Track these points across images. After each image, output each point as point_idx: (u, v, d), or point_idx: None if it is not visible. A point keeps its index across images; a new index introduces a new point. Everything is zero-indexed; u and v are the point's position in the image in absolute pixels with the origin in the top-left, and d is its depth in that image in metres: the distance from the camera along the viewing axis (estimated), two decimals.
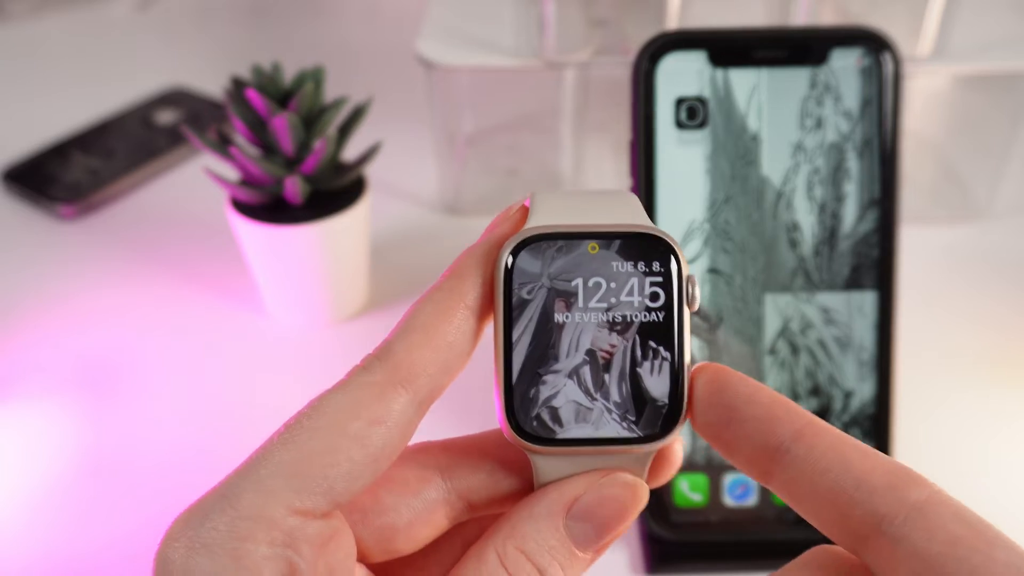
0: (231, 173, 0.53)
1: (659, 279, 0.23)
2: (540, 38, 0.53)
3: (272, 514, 0.21)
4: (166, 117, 0.69)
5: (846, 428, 0.38)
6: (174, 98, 0.72)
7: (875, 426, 0.38)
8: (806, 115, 0.38)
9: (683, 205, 0.38)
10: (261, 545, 0.20)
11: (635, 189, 0.38)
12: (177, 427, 0.46)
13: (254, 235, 0.48)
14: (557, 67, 0.54)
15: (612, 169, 0.63)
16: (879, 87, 0.37)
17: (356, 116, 0.49)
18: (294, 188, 0.46)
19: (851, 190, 0.38)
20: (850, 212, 0.38)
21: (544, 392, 0.23)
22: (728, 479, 0.38)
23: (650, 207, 0.37)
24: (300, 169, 0.47)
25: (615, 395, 0.23)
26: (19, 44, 0.82)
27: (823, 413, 0.38)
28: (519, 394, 0.23)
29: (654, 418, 0.23)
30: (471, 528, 0.26)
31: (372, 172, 0.54)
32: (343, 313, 0.52)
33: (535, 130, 0.67)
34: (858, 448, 0.21)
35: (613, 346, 0.23)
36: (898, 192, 0.38)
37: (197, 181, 0.62)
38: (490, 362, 0.24)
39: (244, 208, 0.48)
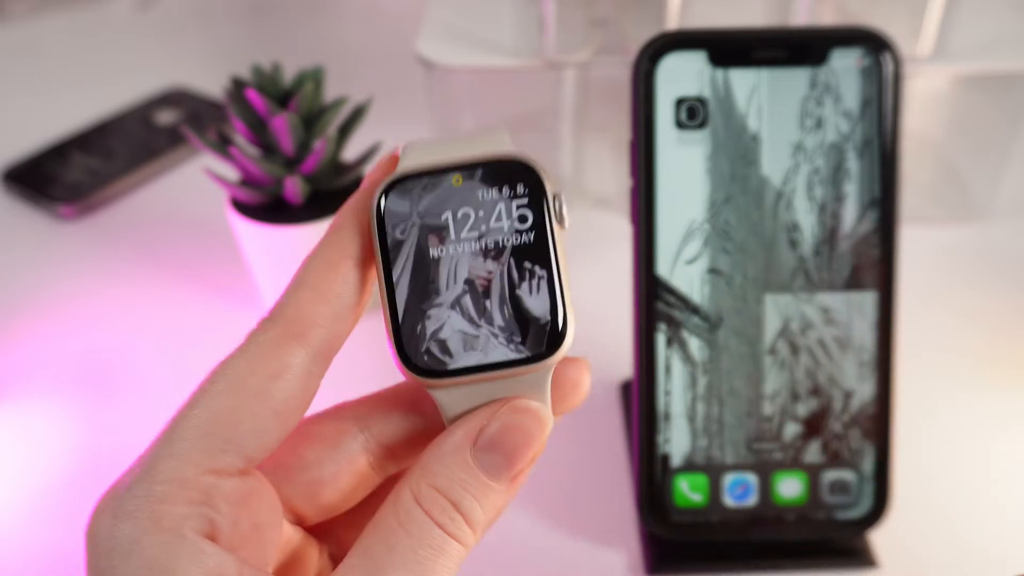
0: (231, 173, 0.53)
1: (524, 201, 0.23)
2: (540, 38, 0.53)
3: (186, 475, 0.21)
4: (166, 117, 0.69)
5: (846, 428, 0.38)
6: (174, 98, 0.72)
7: (875, 426, 0.38)
8: (806, 115, 0.38)
9: (683, 205, 0.38)
10: (179, 505, 0.21)
11: (635, 189, 0.38)
12: None
13: (254, 235, 0.48)
14: (557, 67, 0.54)
15: (612, 169, 0.63)
16: (879, 87, 0.37)
17: (356, 116, 0.49)
18: (294, 188, 0.46)
19: (851, 190, 0.38)
20: (850, 212, 0.38)
21: (430, 326, 0.23)
22: (728, 479, 0.38)
23: (650, 207, 0.37)
24: (300, 169, 0.47)
25: (498, 319, 0.23)
26: (19, 44, 0.82)
27: (823, 413, 0.38)
28: (407, 331, 0.23)
29: (539, 336, 0.23)
30: None
31: None
32: None
33: (535, 130, 0.67)
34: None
35: (490, 272, 0.23)
36: (898, 192, 0.38)
37: (197, 181, 0.62)
38: None
39: (244, 208, 0.48)
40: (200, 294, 0.54)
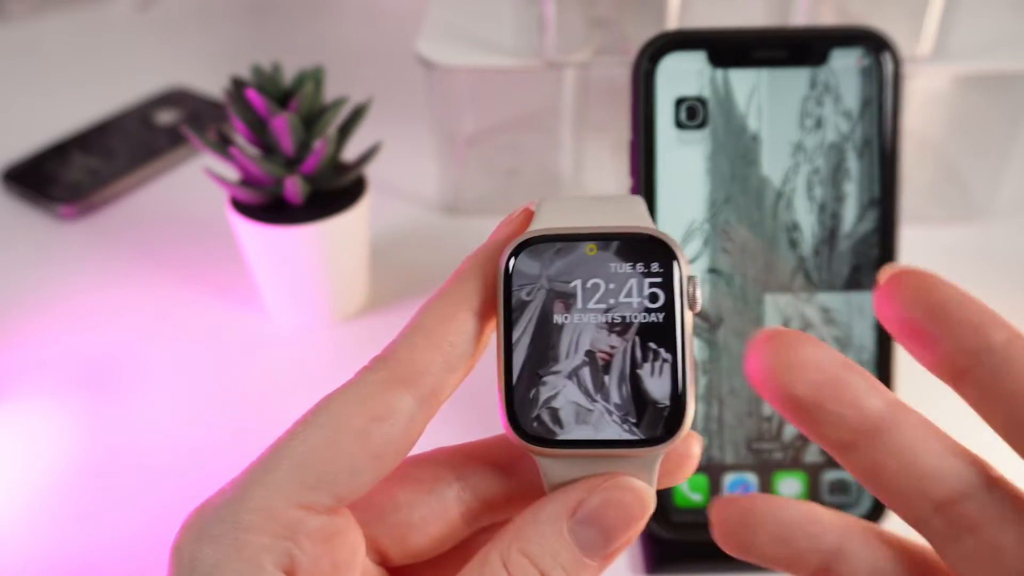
0: (231, 173, 0.53)
1: (658, 280, 0.23)
2: (540, 38, 0.53)
3: (275, 506, 0.21)
4: (166, 117, 0.69)
5: None
6: (174, 98, 0.72)
7: None
8: (806, 115, 0.38)
9: (683, 205, 0.38)
10: (263, 536, 0.21)
11: (635, 189, 0.38)
12: (177, 427, 0.46)
13: (254, 235, 0.48)
14: (557, 67, 0.54)
15: (612, 169, 0.63)
16: (879, 87, 0.37)
17: (356, 116, 0.49)
18: (294, 188, 0.46)
19: (851, 190, 0.38)
20: (850, 212, 0.38)
21: (544, 393, 0.23)
22: (728, 479, 0.38)
23: (650, 207, 0.37)
24: (300, 169, 0.47)
25: (615, 397, 0.23)
26: (19, 44, 0.82)
27: None
28: (520, 395, 0.23)
29: (655, 420, 0.23)
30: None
31: (372, 172, 0.54)
32: (343, 313, 0.52)
33: (535, 130, 0.67)
34: None
35: (613, 347, 0.23)
36: (898, 192, 0.38)
37: (197, 181, 0.62)
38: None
39: (244, 208, 0.48)
40: (200, 294, 0.54)
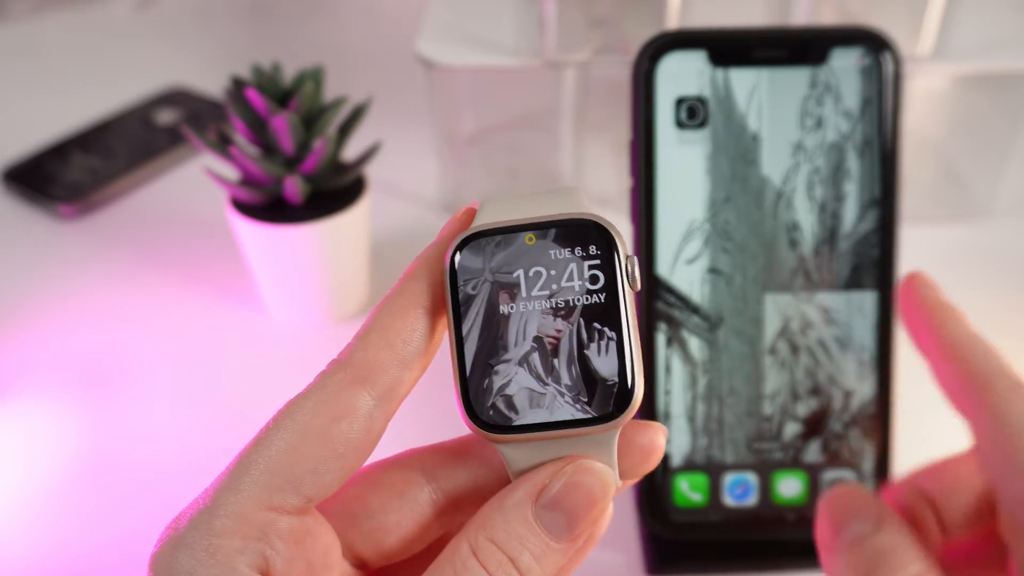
0: (231, 173, 0.53)
1: (597, 262, 0.24)
2: (540, 38, 0.53)
3: (245, 510, 0.22)
4: (166, 117, 0.69)
5: (846, 428, 0.38)
6: (174, 98, 0.72)
7: (875, 426, 0.38)
8: (806, 115, 0.38)
9: (683, 205, 0.38)
10: (235, 540, 0.22)
11: (635, 189, 0.38)
12: (177, 427, 0.46)
13: (254, 235, 0.48)
14: (557, 67, 0.54)
15: (612, 169, 0.63)
16: (879, 87, 0.37)
17: (356, 116, 0.49)
18: (294, 188, 0.46)
19: (851, 190, 0.38)
20: (850, 212, 0.38)
21: (497, 382, 0.24)
22: (728, 479, 0.38)
23: (650, 207, 0.37)
24: (300, 169, 0.47)
25: (566, 378, 0.23)
26: (19, 44, 0.82)
27: (823, 413, 0.38)
28: (474, 386, 0.24)
29: (606, 398, 0.23)
30: None
31: (372, 172, 0.54)
32: (343, 312, 0.52)
33: (535, 130, 0.67)
34: None
35: (559, 331, 0.24)
36: (898, 192, 0.38)
37: (197, 181, 0.62)
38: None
39: (244, 208, 0.48)
40: (200, 294, 0.54)
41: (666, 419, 0.38)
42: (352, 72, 0.75)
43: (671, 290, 0.38)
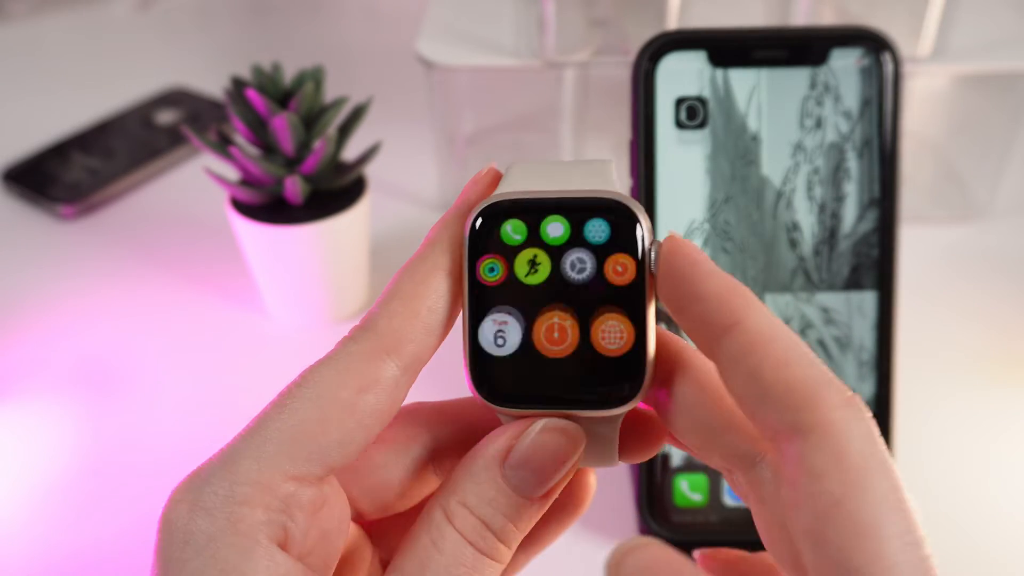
0: (231, 173, 0.53)
1: (619, 243, 0.23)
2: (540, 38, 0.53)
3: (269, 480, 0.22)
4: (166, 117, 0.69)
5: None
6: (174, 98, 0.72)
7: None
8: (806, 115, 0.38)
9: (683, 205, 0.38)
10: (257, 510, 0.21)
11: (635, 189, 0.38)
12: (177, 426, 0.46)
13: (254, 235, 0.48)
14: (557, 67, 0.54)
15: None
16: (879, 87, 0.37)
17: (356, 116, 0.49)
18: (294, 188, 0.46)
19: (851, 190, 0.38)
20: (850, 212, 0.38)
21: (506, 352, 0.23)
22: None
23: (650, 207, 0.37)
24: (300, 169, 0.47)
25: (577, 357, 0.23)
26: (19, 44, 0.82)
27: None
28: (484, 355, 0.23)
29: (615, 382, 0.23)
30: None
31: (372, 172, 0.54)
32: (343, 312, 0.52)
33: (535, 130, 0.67)
34: (775, 356, 0.20)
35: (575, 308, 0.23)
36: (898, 192, 0.38)
37: (197, 181, 0.62)
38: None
39: (244, 208, 0.48)
40: (200, 294, 0.54)
41: None
42: (352, 72, 0.75)
43: None
